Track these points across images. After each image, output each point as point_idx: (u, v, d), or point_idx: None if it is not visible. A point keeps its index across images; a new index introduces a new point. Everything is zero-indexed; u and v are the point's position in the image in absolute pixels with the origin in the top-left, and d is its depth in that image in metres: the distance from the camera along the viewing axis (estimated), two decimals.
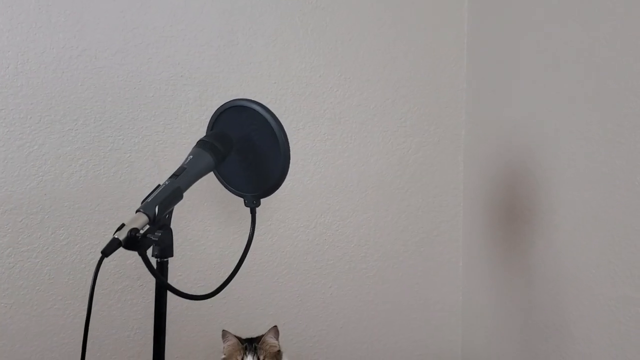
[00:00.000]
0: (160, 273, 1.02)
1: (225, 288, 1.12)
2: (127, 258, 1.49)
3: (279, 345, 1.40)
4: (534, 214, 1.50)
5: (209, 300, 1.58)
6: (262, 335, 1.39)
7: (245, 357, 1.34)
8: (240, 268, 1.16)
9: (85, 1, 1.46)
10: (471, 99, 1.75)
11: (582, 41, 1.35)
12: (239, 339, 1.39)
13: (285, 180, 1.17)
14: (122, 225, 0.93)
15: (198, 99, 1.55)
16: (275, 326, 1.40)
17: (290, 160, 1.15)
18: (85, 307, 1.46)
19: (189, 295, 1.03)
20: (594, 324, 1.33)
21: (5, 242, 1.45)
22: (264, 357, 1.35)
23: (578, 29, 1.36)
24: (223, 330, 1.40)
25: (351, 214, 1.71)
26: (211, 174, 1.17)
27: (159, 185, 1.01)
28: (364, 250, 1.73)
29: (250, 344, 1.37)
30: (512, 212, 1.59)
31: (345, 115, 1.69)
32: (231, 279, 1.14)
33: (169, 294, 1.05)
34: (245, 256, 1.18)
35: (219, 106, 1.20)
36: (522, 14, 1.55)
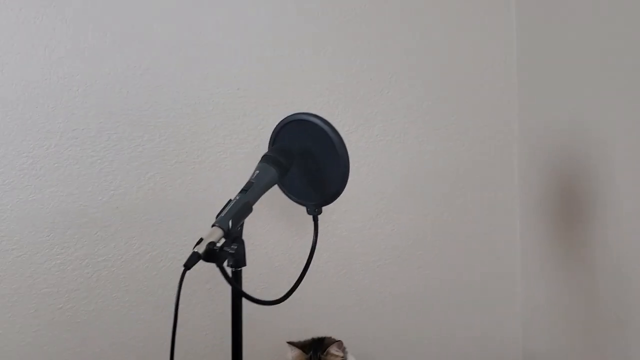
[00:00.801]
0: (235, 281, 1.09)
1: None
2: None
3: (344, 353, 1.43)
4: (592, 207, 1.51)
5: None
6: (327, 346, 1.42)
7: None
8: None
9: (144, 21, 1.54)
10: (524, 94, 1.76)
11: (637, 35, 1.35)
12: (303, 348, 1.42)
13: None
14: (201, 239, 1.00)
15: (254, 110, 1.62)
16: (340, 341, 1.43)
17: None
18: (159, 310, 1.58)
19: (262, 301, 1.10)
20: None
21: (83, 254, 1.55)
22: None
23: (630, 24, 1.36)
24: (287, 343, 1.43)
25: (406, 213, 1.75)
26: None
27: (230, 201, 1.08)
28: (420, 249, 1.77)
29: (315, 353, 1.40)
30: (569, 205, 1.60)
31: (397, 115, 1.73)
32: (299, 284, 1.20)
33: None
34: (310, 262, 1.23)
35: (275, 117, 1.25)
36: (574, 6, 1.55)
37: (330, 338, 1.44)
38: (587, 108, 1.51)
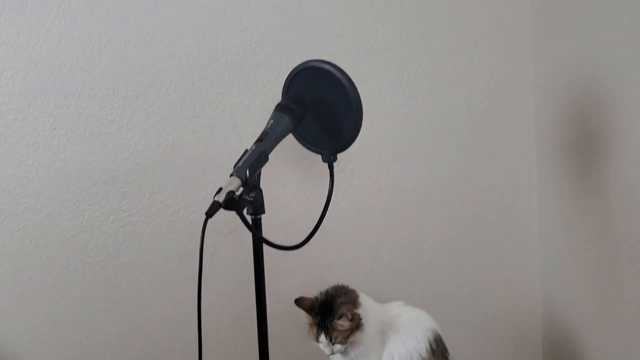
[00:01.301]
0: (255, 228, 1.12)
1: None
2: (217, 216, 1.60)
3: (351, 321, 1.29)
4: (610, 146, 1.50)
5: (293, 251, 1.71)
6: (335, 313, 1.29)
7: (319, 335, 1.30)
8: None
9: None
10: (538, 28, 1.72)
11: None
12: (311, 311, 1.32)
13: None
14: (220, 189, 1.04)
15: (267, 60, 1.62)
16: (346, 312, 1.29)
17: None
18: (184, 262, 1.63)
19: (281, 246, 1.14)
20: None
21: (108, 210, 1.60)
22: (336, 337, 1.28)
23: None
24: (295, 302, 1.34)
25: (422, 159, 1.76)
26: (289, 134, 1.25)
27: (246, 150, 1.10)
28: (436, 195, 1.78)
29: (323, 321, 1.29)
30: (586, 146, 1.59)
31: (411, 60, 1.72)
32: (316, 230, 1.24)
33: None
34: (327, 208, 1.26)
35: (288, 67, 1.26)
36: None
37: (340, 302, 1.30)
38: (601, 44, 1.48)
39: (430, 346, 1.33)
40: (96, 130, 1.56)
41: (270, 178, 1.64)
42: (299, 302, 1.32)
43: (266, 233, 1.66)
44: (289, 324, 1.64)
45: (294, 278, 1.72)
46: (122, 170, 1.58)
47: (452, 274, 1.84)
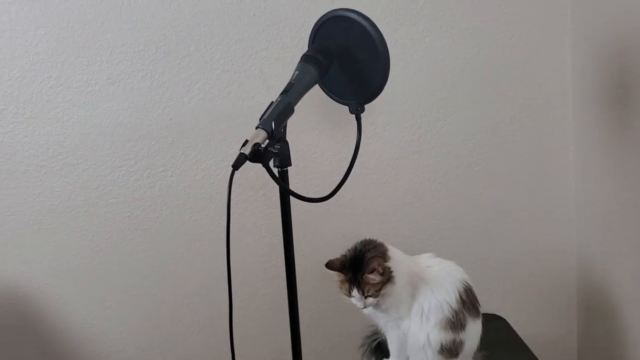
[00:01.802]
0: (282, 181, 1.13)
1: (339, 192, 1.22)
2: (249, 172, 1.62)
3: (383, 274, 1.28)
4: None
5: (324, 204, 1.71)
6: (366, 268, 1.27)
7: (352, 290, 1.29)
8: (351, 173, 1.25)
9: None
10: None
11: None
12: (342, 269, 1.30)
13: (387, 83, 1.21)
14: (246, 141, 1.04)
15: (295, 11, 1.60)
16: (377, 266, 1.27)
17: (390, 63, 1.19)
18: (218, 215, 1.66)
19: (308, 198, 1.14)
20: None
21: (144, 165, 1.63)
22: (368, 290, 1.28)
23: None
24: (326, 265, 1.31)
25: (455, 109, 1.73)
26: (316, 86, 1.23)
27: (272, 102, 1.10)
28: (470, 145, 1.76)
29: (354, 276, 1.28)
30: (626, 96, 1.53)
31: (442, 9, 1.66)
32: (344, 182, 1.23)
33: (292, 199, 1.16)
34: (355, 160, 1.25)
35: (317, 18, 1.24)
36: None
37: (370, 256, 1.29)
38: None
39: (460, 297, 1.33)
40: (128, 86, 1.58)
41: (299, 131, 1.65)
42: (330, 265, 1.31)
43: (296, 187, 1.68)
44: (318, 277, 1.66)
45: (323, 232, 1.74)
46: (155, 125, 1.61)
47: (485, 226, 1.82)
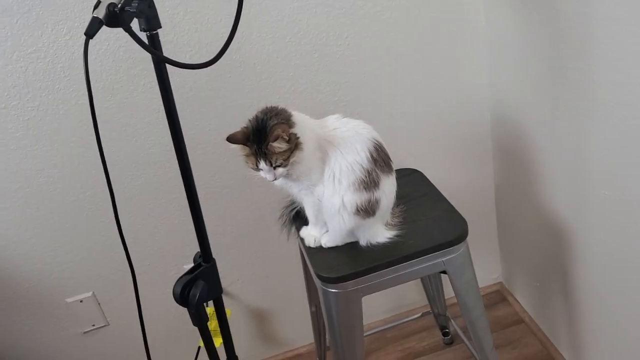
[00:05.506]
0: (152, 47, 0.98)
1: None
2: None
3: (290, 140, 1.20)
4: None
5: (227, 73, 1.55)
6: (269, 136, 1.18)
7: (259, 163, 1.21)
8: (237, 32, 1.09)
9: None
10: None
11: None
12: (245, 142, 1.20)
13: None
14: (98, 2, 0.87)
15: None
16: (281, 133, 1.18)
17: None
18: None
19: (188, 65, 1.00)
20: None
21: (9, 48, 1.43)
22: (276, 160, 1.20)
23: None
24: (227, 139, 1.20)
25: None
26: None
27: None
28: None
29: (259, 147, 1.19)
30: None
31: None
32: (229, 43, 1.07)
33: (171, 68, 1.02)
34: (239, 16, 1.09)
35: None
36: None
37: (273, 123, 1.19)
38: None
39: (371, 155, 1.27)
40: None
41: None
42: (231, 139, 1.20)
43: (179, 54, 1.49)
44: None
45: (228, 103, 1.61)
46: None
47: (396, 80, 1.73)
